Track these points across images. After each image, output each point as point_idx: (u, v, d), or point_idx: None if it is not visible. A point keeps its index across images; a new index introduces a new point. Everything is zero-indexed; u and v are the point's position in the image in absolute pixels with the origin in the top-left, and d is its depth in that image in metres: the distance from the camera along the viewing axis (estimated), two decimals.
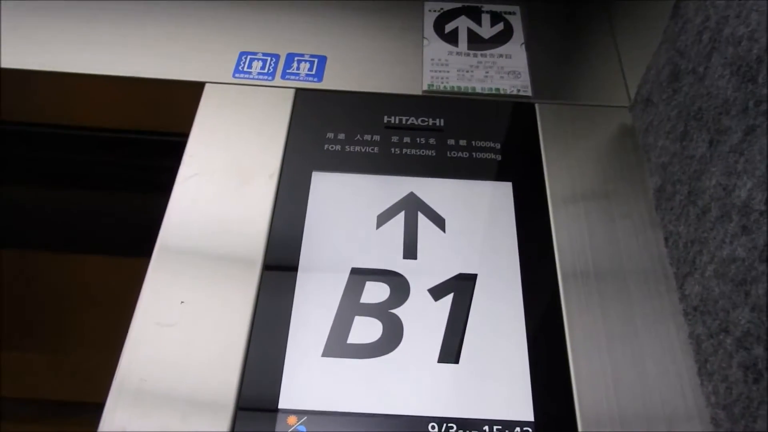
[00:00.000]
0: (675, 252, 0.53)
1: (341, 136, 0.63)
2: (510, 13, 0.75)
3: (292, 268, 0.54)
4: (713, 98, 0.48)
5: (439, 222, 0.58)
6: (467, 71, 0.69)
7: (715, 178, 0.47)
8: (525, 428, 0.47)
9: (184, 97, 0.67)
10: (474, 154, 0.62)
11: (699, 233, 0.49)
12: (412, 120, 0.64)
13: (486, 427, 0.47)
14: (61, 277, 1.07)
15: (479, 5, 0.76)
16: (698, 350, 0.48)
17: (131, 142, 0.80)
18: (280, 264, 0.55)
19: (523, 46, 0.72)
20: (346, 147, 0.62)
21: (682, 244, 0.52)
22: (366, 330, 0.51)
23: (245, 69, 0.68)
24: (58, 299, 1.08)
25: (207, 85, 0.66)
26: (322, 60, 0.69)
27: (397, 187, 0.60)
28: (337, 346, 0.50)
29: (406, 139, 0.63)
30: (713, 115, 0.48)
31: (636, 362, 0.51)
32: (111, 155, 0.83)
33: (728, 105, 0.46)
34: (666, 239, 0.55)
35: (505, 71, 0.69)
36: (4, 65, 0.67)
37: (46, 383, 1.14)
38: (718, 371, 0.45)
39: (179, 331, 0.51)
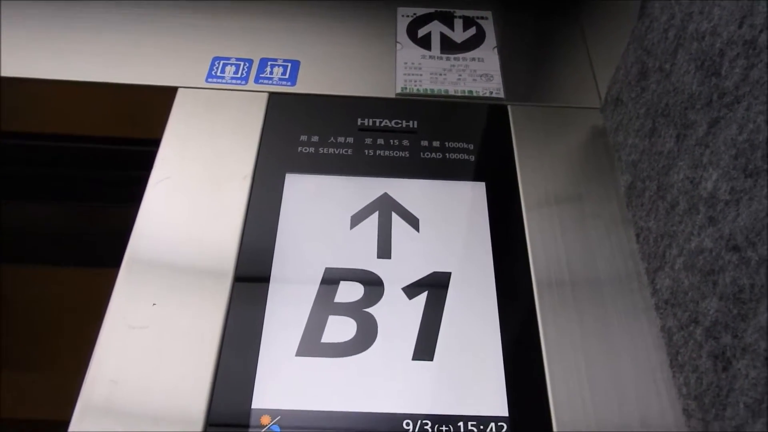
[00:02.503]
0: (646, 247, 0.54)
1: (315, 138, 0.63)
2: (482, 17, 0.76)
3: (266, 269, 0.54)
4: (679, 94, 0.49)
5: (413, 222, 0.58)
6: (440, 74, 0.69)
7: (682, 172, 0.48)
8: (500, 423, 0.47)
9: (156, 103, 0.66)
10: (447, 155, 0.63)
11: (668, 227, 0.50)
12: (385, 122, 0.65)
13: (461, 423, 0.47)
14: (33, 291, 1.05)
15: (452, 10, 0.76)
16: (670, 343, 0.49)
17: (102, 152, 0.80)
18: (254, 265, 0.55)
19: (496, 49, 0.72)
20: (320, 149, 0.62)
21: (652, 239, 0.53)
22: (340, 329, 0.51)
23: (218, 74, 0.68)
24: (31, 313, 1.06)
25: (180, 90, 0.66)
26: (296, 64, 0.70)
27: (370, 188, 0.60)
28: (312, 345, 0.50)
29: (380, 141, 0.63)
30: (679, 110, 0.49)
31: (609, 357, 0.51)
32: (82, 166, 0.83)
33: (693, 99, 0.47)
34: (637, 235, 0.56)
35: (477, 74, 0.70)
36: None
37: (19, 401, 1.12)
38: (689, 362, 0.45)
39: (151, 333, 0.50)
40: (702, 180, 0.45)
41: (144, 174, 0.61)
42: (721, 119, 0.43)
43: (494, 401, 0.48)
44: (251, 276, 0.54)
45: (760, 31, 0.39)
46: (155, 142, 0.63)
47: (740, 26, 0.41)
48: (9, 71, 0.67)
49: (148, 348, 0.49)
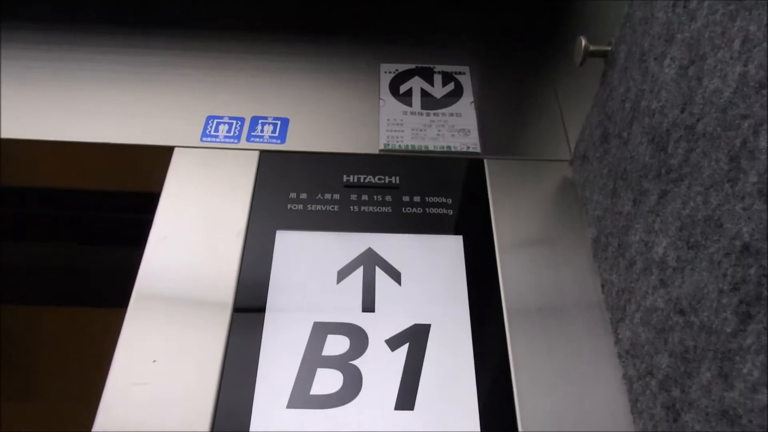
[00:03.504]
0: (609, 299, 0.58)
1: (303, 195, 0.67)
2: (460, 73, 0.81)
3: (259, 322, 0.58)
4: (635, 162, 0.54)
5: (395, 275, 0.62)
6: (421, 130, 0.74)
7: (638, 235, 0.52)
8: None
9: (155, 161, 0.71)
10: (427, 209, 0.67)
11: (628, 283, 0.54)
12: (369, 178, 0.69)
13: None
14: (27, 329, 1.09)
15: (431, 66, 0.81)
16: (630, 390, 0.53)
17: (103, 196, 0.84)
18: (247, 318, 0.59)
19: (473, 104, 0.77)
20: (308, 206, 0.67)
21: (615, 291, 0.57)
22: (328, 381, 0.55)
23: (212, 132, 0.72)
24: (27, 351, 1.10)
25: (176, 149, 0.71)
26: (285, 122, 0.74)
27: (356, 243, 0.64)
28: (301, 397, 0.54)
29: (364, 197, 0.68)
30: (635, 177, 0.54)
31: (578, 401, 0.55)
32: (84, 210, 0.87)
33: (646, 169, 0.51)
34: (602, 286, 0.60)
35: (455, 129, 0.74)
36: None
37: None
38: (646, 410, 0.50)
39: (152, 390, 0.54)
40: (654, 245, 0.49)
41: (138, 217, 0.65)
42: (668, 192, 0.48)
43: None
44: (244, 330, 0.58)
45: (698, 120, 0.44)
46: (154, 195, 0.67)
47: (682, 111, 0.46)
48: (8, 133, 0.71)
49: (149, 404, 0.53)
